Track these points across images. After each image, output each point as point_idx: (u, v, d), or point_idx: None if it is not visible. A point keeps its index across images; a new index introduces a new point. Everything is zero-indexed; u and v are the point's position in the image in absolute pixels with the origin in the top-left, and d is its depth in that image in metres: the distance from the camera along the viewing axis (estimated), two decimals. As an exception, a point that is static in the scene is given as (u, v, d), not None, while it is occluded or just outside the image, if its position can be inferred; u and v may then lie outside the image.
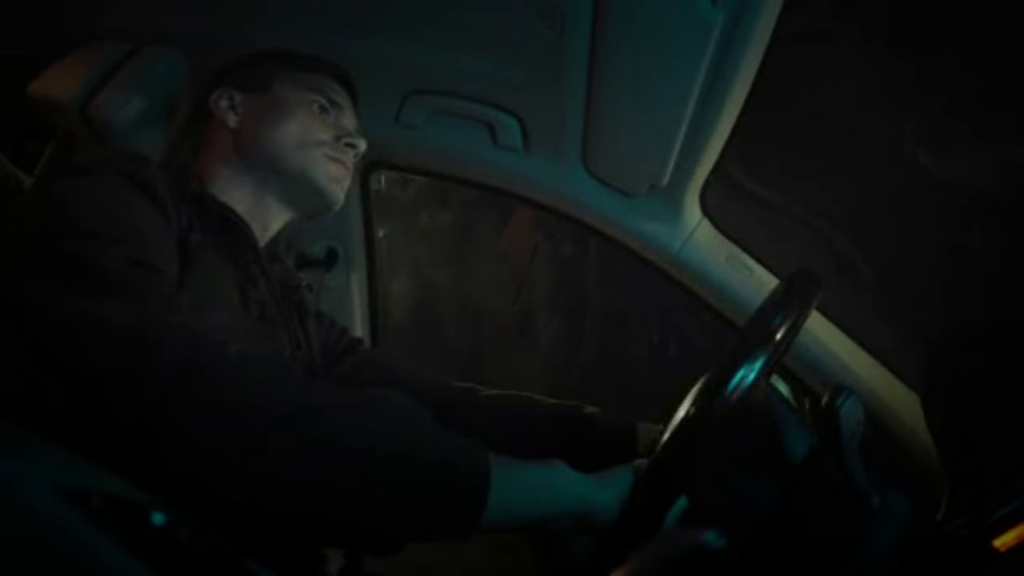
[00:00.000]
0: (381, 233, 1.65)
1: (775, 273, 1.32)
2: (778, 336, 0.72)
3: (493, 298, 2.87)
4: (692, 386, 0.77)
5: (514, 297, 2.70)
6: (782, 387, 0.86)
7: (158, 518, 0.46)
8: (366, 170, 1.45)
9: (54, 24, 1.11)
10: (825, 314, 1.29)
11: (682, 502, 0.74)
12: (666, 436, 0.76)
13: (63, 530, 0.41)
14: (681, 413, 0.75)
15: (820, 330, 1.28)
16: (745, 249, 1.33)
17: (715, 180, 1.31)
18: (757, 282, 1.31)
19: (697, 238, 1.33)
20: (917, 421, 1.14)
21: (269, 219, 0.97)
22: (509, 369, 2.81)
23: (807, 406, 0.77)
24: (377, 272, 1.57)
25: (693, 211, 1.32)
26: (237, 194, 0.93)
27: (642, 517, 0.73)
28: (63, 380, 0.60)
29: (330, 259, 1.49)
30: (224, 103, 0.97)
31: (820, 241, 1.93)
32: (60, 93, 1.01)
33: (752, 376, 0.69)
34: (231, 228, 0.88)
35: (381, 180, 1.61)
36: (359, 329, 1.53)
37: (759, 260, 1.33)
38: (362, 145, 1.00)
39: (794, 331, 0.76)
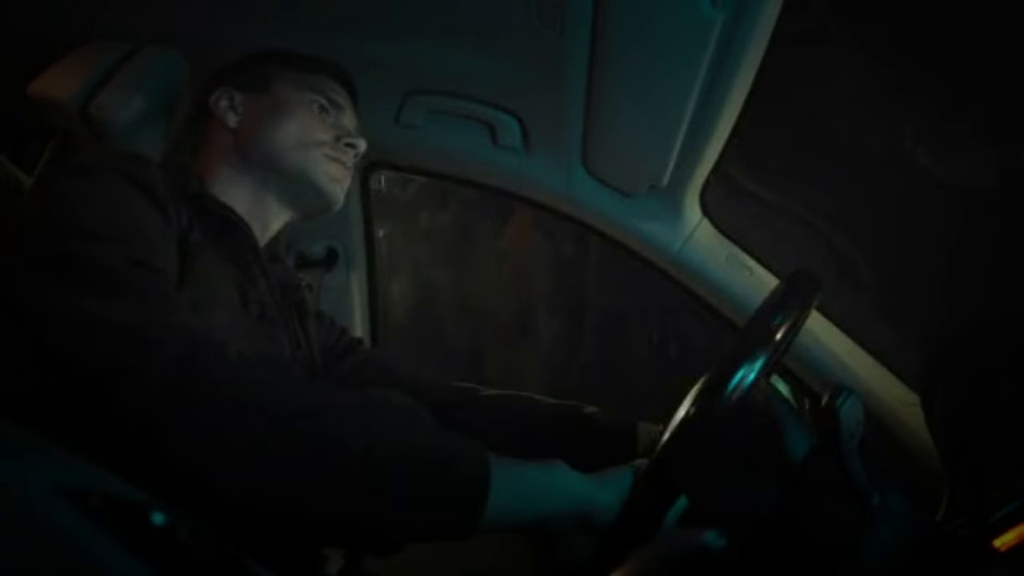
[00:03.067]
0: (381, 233, 1.65)
1: (775, 273, 1.32)
2: (778, 336, 0.72)
3: (493, 298, 2.86)
4: (692, 386, 0.77)
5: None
6: (782, 387, 0.86)
7: (158, 518, 0.46)
8: (366, 170, 1.45)
9: (54, 24, 1.11)
10: (825, 314, 1.29)
11: (682, 502, 0.74)
12: (666, 436, 0.76)
13: (63, 530, 0.41)
14: (681, 413, 0.75)
15: (820, 330, 1.28)
16: (745, 249, 1.33)
17: (715, 180, 1.31)
18: (757, 282, 1.31)
19: (697, 238, 1.33)
20: (917, 421, 1.14)
21: (269, 219, 0.97)
22: (509, 369, 2.81)
23: (807, 406, 0.77)
24: (377, 272, 1.57)
25: (693, 211, 1.32)
26: (237, 194, 0.93)
27: (642, 517, 0.73)
28: (63, 380, 0.60)
29: (330, 259, 1.49)
30: (224, 103, 0.97)
31: (820, 241, 1.93)
32: (60, 93, 1.01)
33: (752, 376, 0.69)
34: (231, 228, 0.88)
35: (381, 180, 1.61)
36: (359, 329, 1.53)
37: (759, 260, 1.33)
38: (362, 145, 1.00)
39: (794, 331, 0.76)
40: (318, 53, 1.03)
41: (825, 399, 0.71)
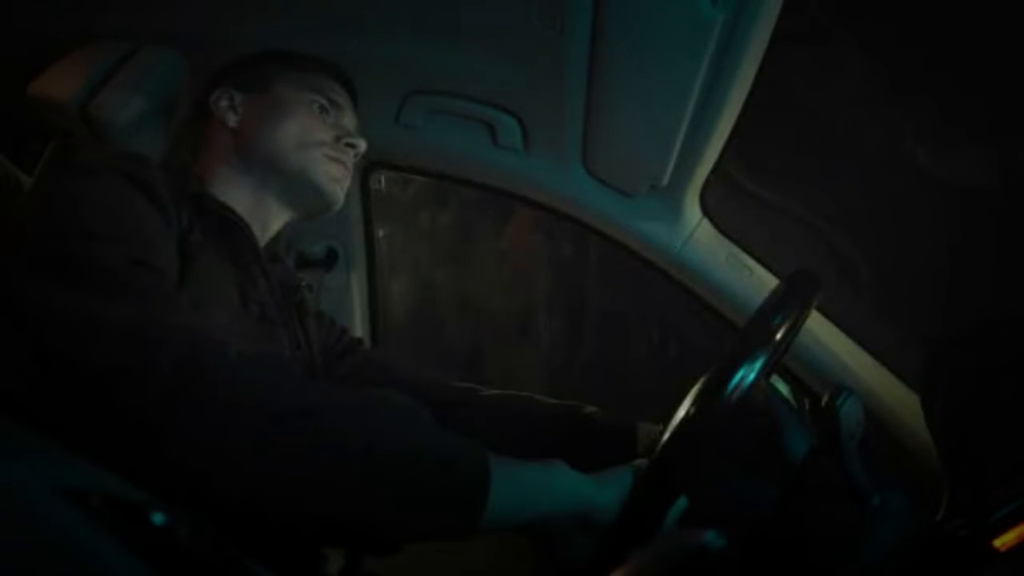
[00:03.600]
0: (381, 233, 1.65)
1: (775, 273, 1.32)
2: (778, 336, 0.72)
3: (493, 298, 2.87)
4: (692, 386, 0.77)
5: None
6: (782, 387, 0.86)
7: (158, 518, 0.46)
8: (366, 170, 1.45)
9: (54, 24, 1.11)
10: (825, 314, 1.29)
11: (682, 502, 0.74)
12: (666, 436, 0.76)
13: (63, 530, 0.41)
14: (681, 413, 0.75)
15: (820, 330, 1.28)
16: (745, 249, 1.33)
17: (715, 180, 1.31)
18: (757, 282, 1.31)
19: (697, 238, 1.33)
20: (917, 421, 1.14)
21: (269, 219, 0.97)
22: (509, 369, 2.81)
23: (807, 406, 0.77)
24: (377, 272, 1.57)
25: (693, 211, 1.32)
26: (237, 194, 0.93)
27: (642, 517, 0.73)
28: (63, 380, 0.60)
29: (330, 259, 1.49)
30: (224, 103, 0.97)
31: (820, 241, 1.93)
32: (60, 93, 1.01)
33: (752, 376, 0.69)
34: (231, 228, 0.88)
35: (381, 180, 1.61)
36: (359, 329, 1.53)
37: (759, 260, 1.33)
38: (362, 145, 1.00)
39: (794, 331, 0.75)
40: (318, 53, 1.03)
41: (825, 399, 0.71)
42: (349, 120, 1.02)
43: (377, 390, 1.00)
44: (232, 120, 0.97)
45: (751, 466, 0.78)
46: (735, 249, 1.33)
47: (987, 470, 0.86)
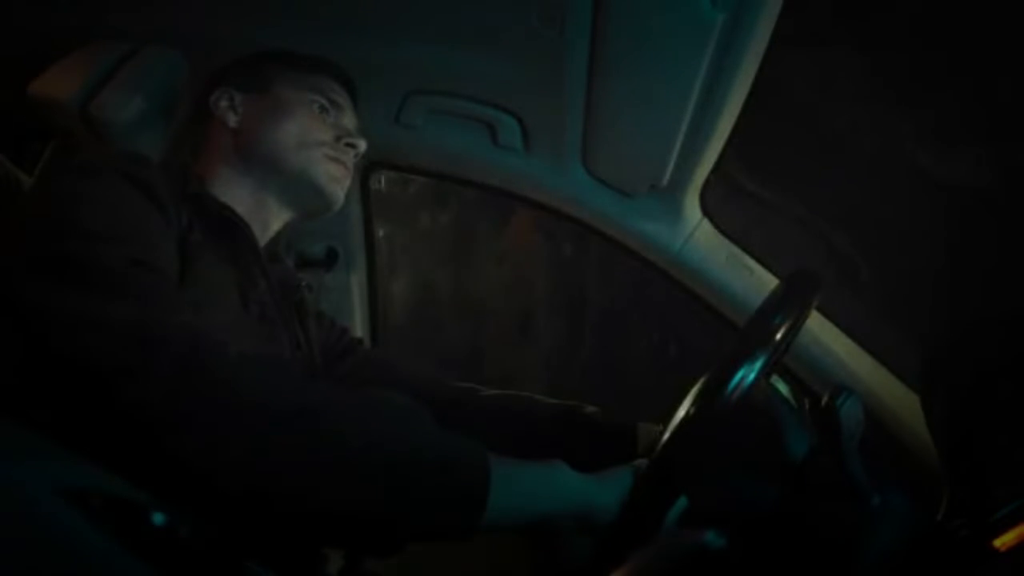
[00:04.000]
0: (381, 233, 1.65)
1: (775, 273, 1.32)
2: (778, 336, 0.72)
3: (493, 298, 2.87)
4: (692, 386, 0.78)
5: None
6: (782, 387, 0.86)
7: (158, 518, 0.46)
8: (366, 170, 1.45)
9: (54, 24, 1.11)
10: (825, 314, 1.29)
11: (682, 502, 0.74)
12: (666, 436, 0.76)
13: (63, 530, 0.41)
14: (681, 413, 0.76)
15: (820, 330, 1.28)
16: (745, 249, 1.33)
17: (715, 180, 1.31)
18: (757, 282, 1.31)
19: (697, 238, 1.33)
20: (917, 421, 1.14)
21: (269, 219, 0.97)
22: (509, 369, 2.81)
23: (807, 406, 0.77)
24: (377, 272, 1.57)
25: (693, 211, 1.32)
26: (237, 194, 0.93)
27: (642, 517, 0.73)
28: (64, 380, 0.60)
29: (330, 259, 1.49)
30: (224, 103, 0.97)
31: (820, 241, 1.93)
32: (60, 93, 1.01)
33: (752, 376, 0.69)
34: (231, 228, 0.88)
35: (381, 180, 1.61)
36: (359, 329, 1.53)
37: (759, 260, 1.33)
38: (362, 145, 1.00)
39: (794, 331, 0.76)
40: (318, 53, 1.03)
41: (825, 399, 0.71)
42: (349, 120, 1.02)
43: (377, 390, 1.00)
44: (232, 120, 0.97)
45: (751, 466, 0.78)
46: (735, 249, 1.33)
47: (987, 470, 0.86)
